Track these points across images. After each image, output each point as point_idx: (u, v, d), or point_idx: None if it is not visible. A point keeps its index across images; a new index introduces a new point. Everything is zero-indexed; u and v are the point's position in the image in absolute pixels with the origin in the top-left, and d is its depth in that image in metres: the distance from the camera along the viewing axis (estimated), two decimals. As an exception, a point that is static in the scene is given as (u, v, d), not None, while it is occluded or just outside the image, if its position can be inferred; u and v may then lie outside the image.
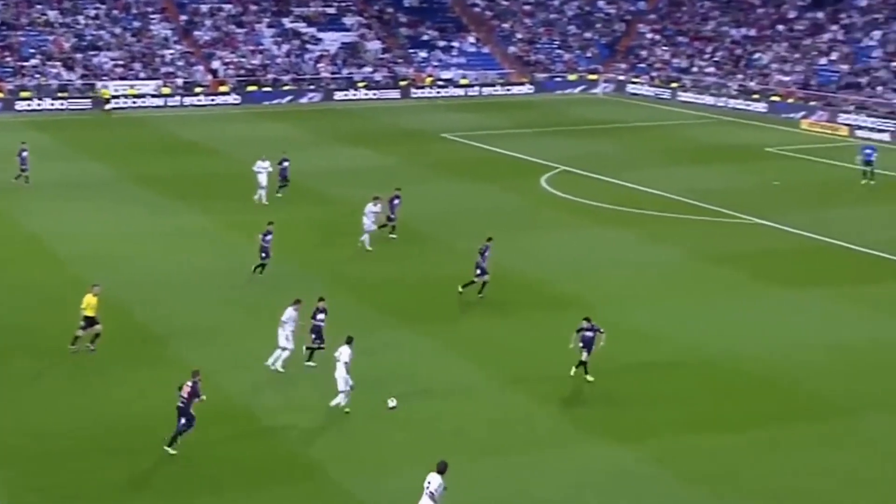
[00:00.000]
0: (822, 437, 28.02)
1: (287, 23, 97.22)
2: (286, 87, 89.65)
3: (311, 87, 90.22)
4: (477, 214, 50.73)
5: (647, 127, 77.49)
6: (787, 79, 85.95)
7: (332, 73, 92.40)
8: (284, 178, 53.57)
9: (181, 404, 26.85)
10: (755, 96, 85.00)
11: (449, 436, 27.94)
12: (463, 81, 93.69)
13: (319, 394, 30.26)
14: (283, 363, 31.82)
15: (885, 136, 71.09)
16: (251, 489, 25.46)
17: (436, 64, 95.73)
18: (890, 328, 36.05)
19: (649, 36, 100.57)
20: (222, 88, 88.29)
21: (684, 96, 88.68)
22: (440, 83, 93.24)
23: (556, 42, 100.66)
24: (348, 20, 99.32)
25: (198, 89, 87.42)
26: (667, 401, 30.26)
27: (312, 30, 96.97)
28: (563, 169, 60.99)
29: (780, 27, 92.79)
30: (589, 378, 31.18)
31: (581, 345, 31.28)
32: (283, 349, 31.78)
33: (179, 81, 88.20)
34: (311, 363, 31.87)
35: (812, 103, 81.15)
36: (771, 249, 45.15)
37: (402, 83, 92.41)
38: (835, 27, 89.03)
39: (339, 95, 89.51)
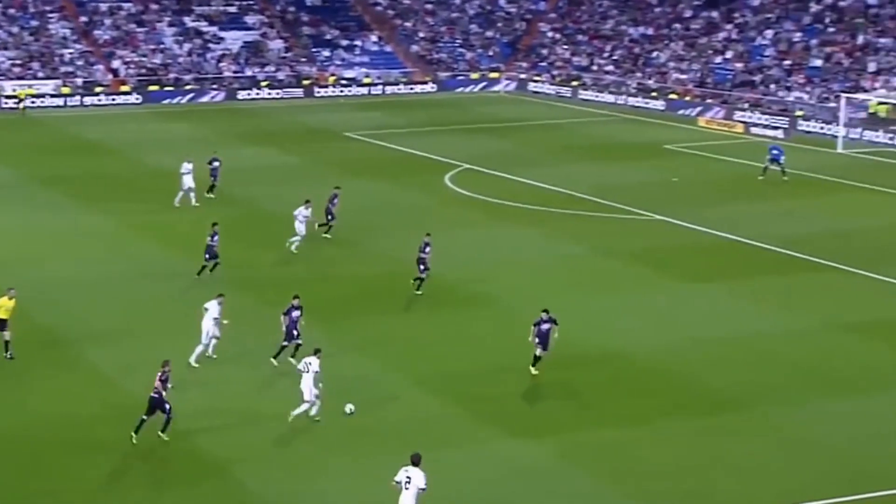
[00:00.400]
0: (718, 429, 28.56)
1: (188, 22, 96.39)
2: (188, 87, 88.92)
3: (214, 86, 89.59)
4: (381, 213, 50.90)
5: (549, 125, 78.21)
6: (684, 77, 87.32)
7: (235, 73, 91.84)
8: (214, 179, 52.91)
9: (155, 395, 27.09)
10: (653, 94, 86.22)
11: (358, 436, 28.04)
12: (366, 80, 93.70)
13: (229, 396, 30.22)
14: (212, 350, 32.22)
15: (779, 133, 72.55)
16: (157, 489, 25.37)
17: (339, 63, 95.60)
18: (781, 320, 36.84)
19: (550, 35, 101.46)
20: (123, 88, 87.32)
21: (585, 94, 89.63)
22: (343, 82, 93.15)
23: (458, 41, 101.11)
24: (250, 19, 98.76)
25: (98, 89, 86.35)
26: (571, 396, 30.67)
27: (214, 29, 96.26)
28: (466, 167, 61.36)
29: (677, 26, 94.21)
30: (533, 371, 31.35)
31: (537, 340, 31.38)
32: (212, 339, 32.02)
33: (79, 81, 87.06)
34: (292, 360, 31.54)
35: (708, 101, 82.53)
36: (670, 245, 45.91)
37: (306, 82, 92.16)
38: (729, 26, 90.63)
39: (242, 94, 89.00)
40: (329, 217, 45.81)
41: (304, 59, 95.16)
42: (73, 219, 49.56)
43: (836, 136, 69.10)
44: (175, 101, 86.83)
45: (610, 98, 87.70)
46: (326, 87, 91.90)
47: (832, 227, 48.82)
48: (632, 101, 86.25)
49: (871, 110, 72.42)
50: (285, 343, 32.09)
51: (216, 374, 31.67)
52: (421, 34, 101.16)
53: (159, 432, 27.16)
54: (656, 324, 36.48)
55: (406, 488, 22.09)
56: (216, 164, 53.23)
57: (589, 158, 65.02)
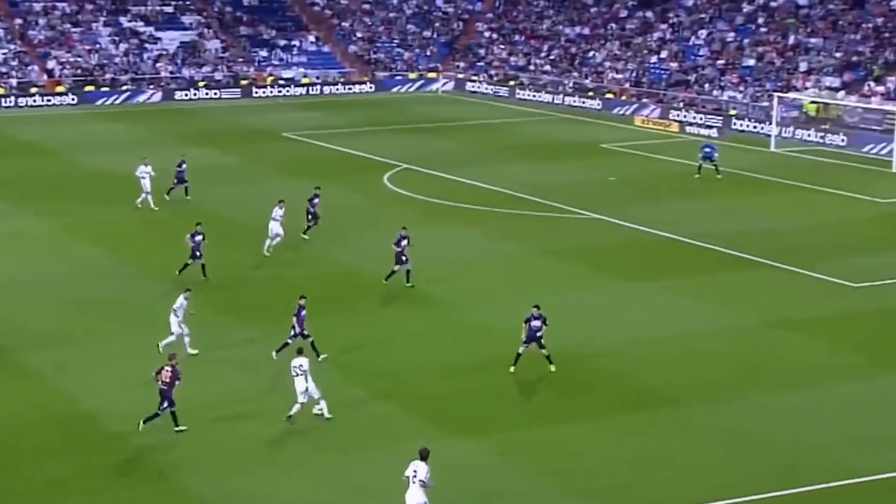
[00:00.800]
0: (656, 425, 28.81)
1: (125, 22, 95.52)
2: (125, 87, 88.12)
3: (151, 86, 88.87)
4: (322, 213, 50.70)
5: (487, 125, 78.41)
6: (619, 76, 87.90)
7: (172, 73, 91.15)
8: (181, 181, 52.36)
9: (164, 387, 27.60)
10: (590, 94, 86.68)
11: (298, 435, 28.00)
12: (304, 80, 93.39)
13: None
14: (189, 346, 32.49)
15: (713, 132, 73.24)
16: (96, 493, 25.18)
17: (276, 63, 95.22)
18: (718, 318, 37.21)
19: (487, 35, 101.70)
20: (59, 88, 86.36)
21: (522, 94, 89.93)
22: (281, 82, 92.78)
23: (396, 41, 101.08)
24: (187, 19, 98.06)
25: (33, 89, 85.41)
26: (510, 395, 30.81)
27: (150, 29, 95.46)
28: (405, 167, 61.37)
29: (613, 26, 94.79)
30: (552, 368, 31.64)
31: (524, 337, 31.43)
32: (173, 335, 32.20)
33: (14, 82, 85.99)
34: (323, 356, 31.80)
35: (644, 100, 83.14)
36: (608, 244, 46.20)
37: (243, 82, 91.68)
38: (664, 26, 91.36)
39: (179, 95, 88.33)
40: (309, 217, 45.45)
41: (241, 60, 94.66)
42: (8, 220, 48.97)
43: (769, 135, 69.88)
44: (111, 101, 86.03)
45: (547, 98, 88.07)
46: (264, 87, 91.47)
47: (767, 226, 49.38)
48: (568, 100, 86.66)
49: (802, 109, 73.31)
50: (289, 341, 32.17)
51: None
52: (359, 34, 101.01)
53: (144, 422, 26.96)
54: (595, 323, 36.71)
55: (413, 482, 22.79)
56: (184, 165, 52.65)
57: (527, 158, 65.27)
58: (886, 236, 47.74)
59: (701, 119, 76.55)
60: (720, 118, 75.91)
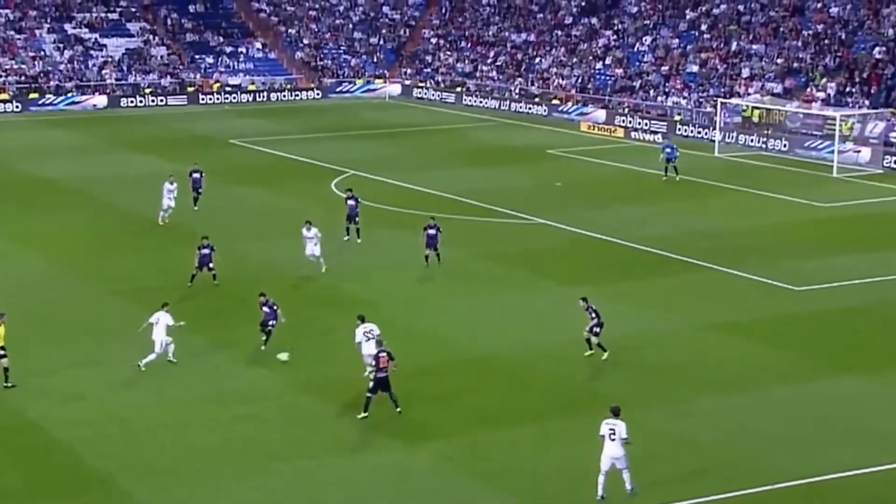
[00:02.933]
0: (594, 429, 28.81)
1: (69, 29, 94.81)
2: (70, 94, 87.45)
3: (96, 93, 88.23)
4: (267, 219, 50.69)
5: (434, 130, 78.59)
6: (565, 82, 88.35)
7: (118, 80, 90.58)
8: (197, 190, 51.99)
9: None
10: (536, 100, 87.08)
11: (239, 442, 27.91)
12: (251, 87, 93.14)
13: (108, 405, 29.87)
14: (172, 355, 32.56)
15: (658, 138, 73.79)
16: (36, 500, 25.00)
17: (223, 70, 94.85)
18: (658, 321, 37.40)
19: (434, 41, 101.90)
20: (2, 96, 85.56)
21: (469, 100, 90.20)
22: (228, 89, 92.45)
23: (343, 47, 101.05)
24: (133, 26, 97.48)
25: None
26: (450, 399, 30.83)
27: (95, 35, 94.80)
28: (353, 173, 61.35)
29: (558, 32, 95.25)
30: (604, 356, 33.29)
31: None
32: (168, 346, 32.39)
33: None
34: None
35: (589, 106, 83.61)
36: (552, 248, 46.42)
37: (190, 89, 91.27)
38: (609, 32, 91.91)
39: (125, 102, 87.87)
40: (351, 219, 46.33)
41: (187, 66, 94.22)
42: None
43: (713, 141, 70.57)
44: (56, 108, 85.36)
45: (493, 103, 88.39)
46: (211, 94, 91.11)
47: (709, 229, 49.82)
48: (515, 106, 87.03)
49: (745, 115, 74.04)
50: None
51: (98, 385, 31.27)
52: (305, 41, 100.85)
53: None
54: (536, 326, 36.83)
55: (612, 440, 24.49)
56: (196, 175, 52.37)
57: (473, 163, 65.45)
58: (827, 240, 48.29)
59: (646, 125, 77.14)
60: (665, 124, 76.52)
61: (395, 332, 32.76)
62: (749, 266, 43.36)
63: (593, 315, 33.49)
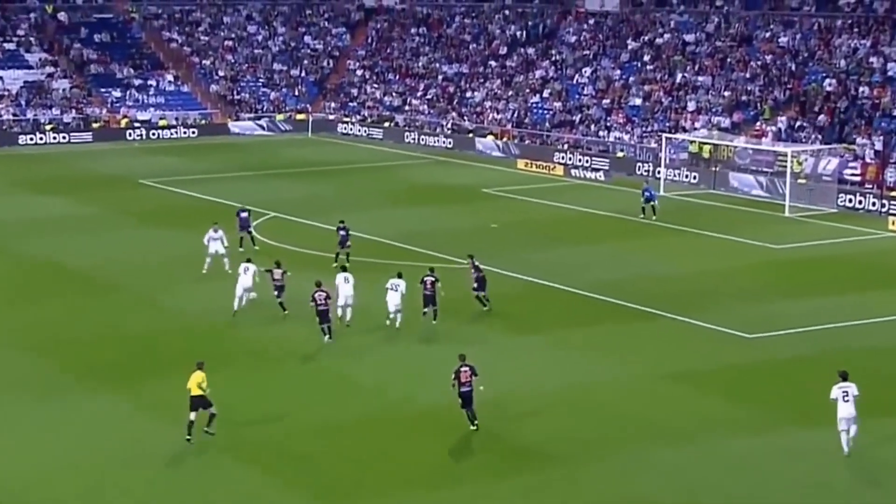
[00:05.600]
0: (538, 486, 29.05)
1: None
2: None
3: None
4: (178, 265, 50.50)
5: (360, 168, 78.93)
6: (500, 116, 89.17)
7: (15, 115, 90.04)
8: (244, 228, 53.11)
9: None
10: (469, 135, 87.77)
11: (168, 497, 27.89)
12: (161, 122, 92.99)
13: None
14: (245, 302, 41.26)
15: (600, 175, 74.69)
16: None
17: (131, 104, 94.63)
18: (604, 371, 37.82)
19: (359, 73, 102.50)
20: None
21: (397, 136, 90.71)
22: (136, 125, 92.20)
23: (262, 80, 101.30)
24: (32, 57, 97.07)
25: None
26: (384, 457, 30.89)
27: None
28: (273, 215, 61.41)
29: (493, 63, 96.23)
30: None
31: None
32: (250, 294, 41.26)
33: None
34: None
35: (526, 142, 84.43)
36: (490, 294, 46.55)
37: (95, 125, 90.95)
38: (546, 63, 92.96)
39: (23, 139, 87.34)
40: (344, 245, 50.05)
41: (92, 101, 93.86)
42: None
43: (658, 178, 71.49)
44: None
45: (424, 139, 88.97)
46: (118, 130, 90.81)
47: (656, 273, 50.43)
48: (447, 142, 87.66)
49: (691, 151, 75.18)
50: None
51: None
52: (221, 73, 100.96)
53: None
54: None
55: (845, 401, 29.53)
56: (244, 214, 53.43)
57: (403, 203, 65.82)
58: (779, 284, 49.11)
59: (587, 161, 77.92)
60: (607, 161, 77.39)
61: (322, 382, 32.82)
62: (700, 312, 43.95)
63: (474, 272, 39.99)
